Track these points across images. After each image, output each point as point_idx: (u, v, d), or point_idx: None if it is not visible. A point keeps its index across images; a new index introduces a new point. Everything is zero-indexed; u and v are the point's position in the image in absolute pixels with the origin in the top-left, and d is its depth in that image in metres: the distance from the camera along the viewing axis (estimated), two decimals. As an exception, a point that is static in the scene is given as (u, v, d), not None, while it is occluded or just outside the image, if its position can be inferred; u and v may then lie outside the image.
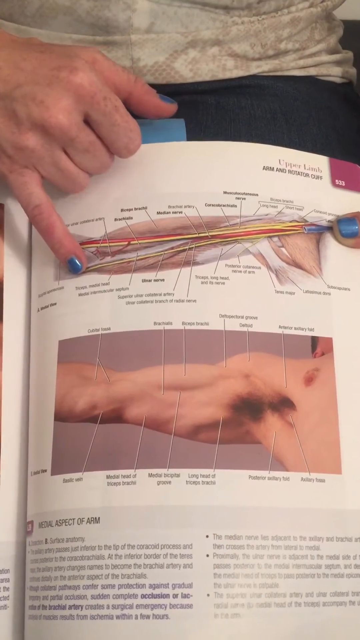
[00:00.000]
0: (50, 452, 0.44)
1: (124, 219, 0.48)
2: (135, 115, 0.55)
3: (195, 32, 0.55)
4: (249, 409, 0.44)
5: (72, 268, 0.47)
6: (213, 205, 0.48)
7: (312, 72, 0.63)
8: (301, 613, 0.41)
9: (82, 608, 0.41)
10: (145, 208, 0.48)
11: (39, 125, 0.44)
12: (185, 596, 0.40)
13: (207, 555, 0.41)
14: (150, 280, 0.47)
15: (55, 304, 0.48)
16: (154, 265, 0.47)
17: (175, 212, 0.48)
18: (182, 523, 0.41)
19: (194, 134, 0.54)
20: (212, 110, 0.58)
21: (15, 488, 0.46)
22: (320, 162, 0.51)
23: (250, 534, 0.41)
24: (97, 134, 0.46)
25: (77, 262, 0.47)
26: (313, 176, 0.51)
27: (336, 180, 0.51)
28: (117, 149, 0.47)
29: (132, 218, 0.48)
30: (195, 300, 0.46)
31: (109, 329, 0.46)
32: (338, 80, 0.64)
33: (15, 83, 0.44)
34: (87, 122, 0.46)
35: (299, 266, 0.48)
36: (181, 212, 0.48)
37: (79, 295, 0.47)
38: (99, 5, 0.53)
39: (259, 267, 0.47)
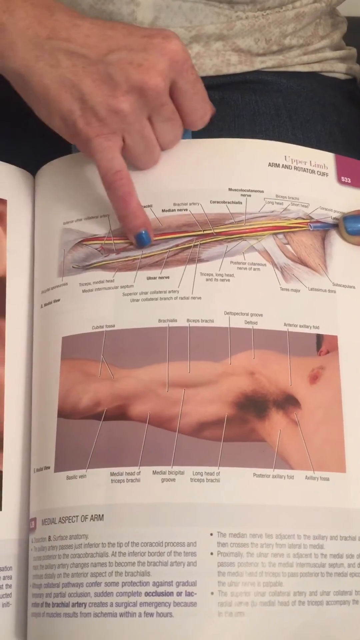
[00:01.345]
0: (53, 448, 0.44)
1: None
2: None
3: (199, 27, 0.55)
4: (254, 406, 0.44)
5: (140, 242, 0.47)
6: (218, 202, 0.48)
7: (316, 68, 0.62)
8: (305, 612, 0.41)
9: (85, 606, 0.41)
10: (150, 206, 0.48)
11: (138, 87, 0.45)
12: (189, 594, 0.40)
13: (211, 554, 0.41)
14: (155, 278, 0.46)
15: (58, 300, 0.48)
16: (159, 263, 0.47)
17: (180, 210, 0.48)
18: (186, 521, 0.41)
19: (198, 131, 0.54)
20: (216, 105, 0.57)
21: (18, 485, 0.46)
22: (326, 159, 0.51)
23: (254, 532, 0.41)
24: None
25: (146, 237, 0.46)
26: (319, 173, 0.51)
27: (342, 177, 0.51)
28: (193, 120, 0.48)
29: (136, 215, 0.48)
30: (200, 298, 0.46)
31: (114, 325, 0.46)
32: (342, 76, 0.64)
33: (107, 49, 0.45)
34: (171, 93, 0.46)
35: (304, 263, 0.48)
36: (186, 210, 0.48)
37: (83, 291, 0.47)
38: (103, -1, 0.53)
39: (264, 264, 0.47)
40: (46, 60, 0.45)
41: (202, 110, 0.48)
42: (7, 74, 0.47)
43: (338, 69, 0.63)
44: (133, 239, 0.47)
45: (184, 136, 0.50)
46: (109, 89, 0.45)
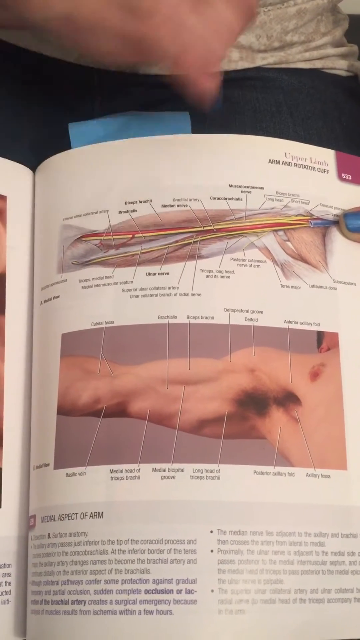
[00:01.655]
0: (53, 446, 0.44)
1: (128, 211, 0.48)
2: (140, 108, 0.55)
3: None
4: (254, 403, 0.44)
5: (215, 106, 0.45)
6: (218, 198, 0.48)
7: (317, 65, 0.62)
8: (306, 609, 0.40)
9: (85, 603, 0.41)
10: (149, 201, 0.48)
11: None
12: (189, 592, 0.40)
13: (212, 551, 0.40)
14: (154, 274, 0.46)
15: (58, 297, 0.47)
16: (159, 259, 0.47)
17: (180, 205, 0.48)
18: (186, 518, 0.41)
19: (198, 127, 0.54)
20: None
21: (18, 482, 0.45)
22: (326, 156, 0.51)
23: (254, 529, 0.41)
24: None
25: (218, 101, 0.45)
26: (319, 170, 0.50)
27: (343, 174, 0.51)
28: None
29: (136, 211, 0.48)
30: (200, 294, 0.46)
31: (113, 322, 0.45)
32: (343, 73, 0.64)
33: None
34: None
35: (304, 260, 0.48)
36: (186, 205, 0.48)
37: (83, 288, 0.47)
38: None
39: (265, 261, 0.47)
40: None
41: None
42: (50, 24, 0.44)
43: (339, 66, 0.63)
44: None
45: (182, 131, 0.50)
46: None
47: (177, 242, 0.47)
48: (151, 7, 0.43)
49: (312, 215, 0.49)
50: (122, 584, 0.40)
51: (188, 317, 0.45)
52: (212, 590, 0.40)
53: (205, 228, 0.47)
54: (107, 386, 0.44)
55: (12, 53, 0.59)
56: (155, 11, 0.43)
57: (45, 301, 0.48)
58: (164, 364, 0.44)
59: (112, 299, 0.46)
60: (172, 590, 0.40)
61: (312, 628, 0.41)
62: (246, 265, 0.47)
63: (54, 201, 0.50)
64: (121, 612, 0.40)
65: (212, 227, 0.47)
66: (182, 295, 0.45)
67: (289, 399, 0.44)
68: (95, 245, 0.48)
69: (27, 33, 0.58)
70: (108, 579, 0.41)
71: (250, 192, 0.48)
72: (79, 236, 0.48)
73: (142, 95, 0.59)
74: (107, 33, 0.44)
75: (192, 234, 0.47)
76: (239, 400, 0.44)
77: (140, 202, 0.48)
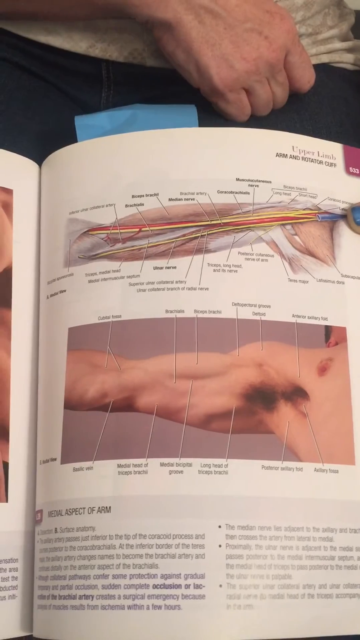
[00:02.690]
0: (60, 440, 0.44)
1: (135, 205, 0.48)
2: (147, 101, 0.54)
3: None
4: (262, 398, 0.43)
5: None
6: (225, 192, 0.48)
7: (324, 59, 0.62)
8: (314, 604, 0.40)
9: (92, 598, 0.40)
10: (156, 194, 0.48)
11: (264, 55, 0.53)
12: (197, 587, 0.40)
13: (220, 546, 0.40)
14: (161, 268, 0.46)
15: (64, 291, 0.47)
16: (166, 253, 0.46)
17: (187, 199, 0.48)
18: (194, 513, 0.41)
19: (205, 121, 0.54)
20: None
21: (25, 476, 0.45)
22: (334, 149, 0.51)
23: (263, 524, 0.41)
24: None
25: None
26: (327, 163, 0.50)
27: (350, 168, 0.50)
28: (301, 84, 0.57)
29: (143, 204, 0.48)
30: (207, 288, 0.45)
31: (120, 316, 0.45)
32: (350, 67, 0.64)
33: (243, 16, 0.53)
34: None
35: (312, 254, 0.47)
36: (193, 199, 0.47)
37: (89, 282, 0.47)
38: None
39: (272, 255, 0.47)
40: (194, 15, 0.51)
41: (308, 74, 0.56)
42: (154, 24, 0.52)
43: (346, 60, 0.63)
44: None
45: (189, 124, 0.52)
46: (244, 52, 0.52)
47: (184, 235, 0.47)
48: (223, 88, 0.54)
49: (319, 209, 0.48)
50: (130, 578, 0.40)
51: (195, 311, 0.45)
52: (221, 585, 0.40)
53: (213, 222, 0.47)
54: (115, 380, 0.44)
55: (20, 45, 0.59)
56: (224, 93, 0.54)
57: (51, 295, 0.48)
58: (171, 358, 0.44)
59: (119, 293, 0.46)
60: (180, 585, 0.40)
61: (320, 623, 0.40)
62: (254, 259, 0.46)
63: (60, 195, 0.50)
64: (129, 607, 0.40)
65: (219, 221, 0.47)
66: (189, 289, 0.45)
67: (297, 394, 0.44)
68: (102, 239, 0.48)
69: (36, 24, 0.57)
70: (116, 573, 0.40)
71: (257, 185, 0.48)
72: (85, 230, 0.48)
73: (149, 88, 0.59)
74: (190, 62, 0.54)
75: (200, 228, 0.47)
76: (246, 394, 0.43)
77: (147, 195, 0.48)
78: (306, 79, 0.57)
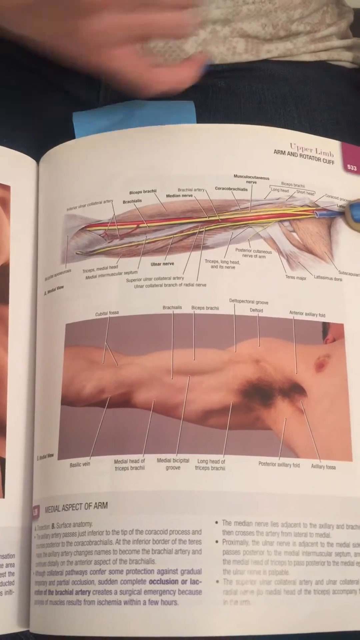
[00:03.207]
0: (57, 436, 0.44)
1: (132, 201, 0.48)
2: (144, 98, 0.54)
3: (205, 12, 0.54)
4: (259, 394, 0.43)
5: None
6: (223, 188, 0.48)
7: (322, 56, 0.62)
8: (311, 600, 0.40)
9: (89, 593, 0.40)
10: (154, 191, 0.48)
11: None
12: (194, 582, 0.40)
13: (217, 542, 0.40)
14: (159, 264, 0.46)
15: (62, 287, 0.47)
16: (163, 249, 0.46)
17: (185, 195, 0.48)
18: (191, 509, 0.41)
19: (203, 118, 0.53)
20: (222, 94, 0.57)
21: (22, 472, 0.45)
22: (332, 147, 0.51)
23: (260, 520, 0.41)
24: None
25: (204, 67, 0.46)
26: (325, 160, 0.50)
27: (348, 165, 0.50)
28: None
29: (141, 201, 0.48)
30: (205, 285, 0.45)
31: (117, 312, 0.45)
32: (348, 65, 0.64)
33: None
34: None
35: (310, 251, 0.47)
36: (191, 195, 0.47)
37: (87, 278, 0.47)
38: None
39: (270, 252, 0.47)
40: (44, 10, 0.44)
41: None
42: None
43: (345, 58, 0.63)
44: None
45: (187, 121, 0.50)
46: (77, 15, 0.43)
47: (182, 232, 0.47)
48: (97, 63, 0.45)
49: (317, 206, 0.49)
50: (126, 574, 0.40)
51: (193, 307, 0.45)
52: (217, 581, 0.40)
53: (211, 218, 0.47)
54: (112, 376, 0.44)
55: (16, 41, 0.59)
56: (104, 65, 0.45)
57: (49, 291, 0.48)
58: (168, 354, 0.44)
59: (116, 289, 0.46)
60: (177, 580, 0.40)
61: (317, 619, 0.40)
62: (251, 255, 0.46)
63: (58, 191, 0.50)
64: (126, 603, 0.40)
65: (217, 218, 0.47)
66: (187, 285, 0.45)
67: (294, 390, 0.44)
68: (100, 235, 0.48)
69: None
70: (113, 569, 0.40)
71: (255, 182, 0.48)
72: (83, 226, 0.48)
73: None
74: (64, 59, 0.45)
75: (197, 224, 0.47)
76: (244, 390, 0.43)
77: (144, 191, 0.48)
78: None
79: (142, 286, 0.45)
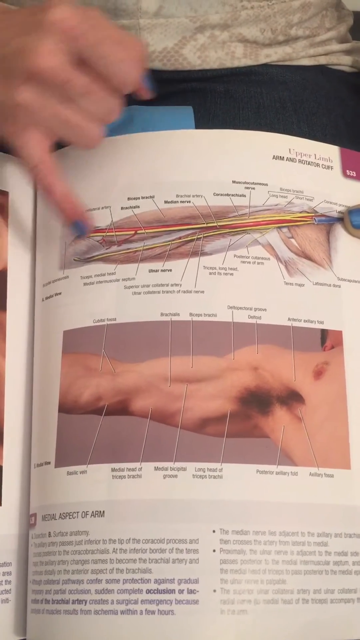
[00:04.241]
0: (54, 444, 0.44)
1: (130, 207, 0.48)
2: (142, 102, 0.54)
3: (204, 17, 0.54)
4: (257, 402, 0.43)
5: (77, 231, 0.46)
6: (222, 194, 0.48)
7: (322, 61, 0.62)
8: (308, 610, 0.40)
9: (85, 603, 0.40)
10: (152, 197, 0.48)
11: (30, 74, 0.42)
12: (191, 592, 0.40)
13: (214, 551, 0.40)
14: (157, 271, 0.46)
15: (60, 293, 0.47)
16: (161, 255, 0.46)
17: (183, 202, 0.47)
18: (189, 517, 0.41)
19: (201, 122, 0.53)
20: (220, 98, 0.57)
21: (19, 480, 0.45)
22: (331, 152, 0.50)
23: (257, 529, 0.41)
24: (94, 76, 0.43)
25: (81, 227, 0.46)
26: (324, 166, 0.50)
27: (347, 171, 0.50)
28: (118, 83, 0.43)
29: (139, 207, 0.48)
30: (203, 291, 0.45)
31: (115, 319, 0.45)
32: (348, 69, 0.64)
33: (5, 42, 0.43)
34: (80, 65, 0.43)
35: (308, 257, 0.47)
36: (189, 202, 0.47)
37: (85, 284, 0.47)
38: (107, -12, 0.52)
39: (268, 258, 0.46)
40: None
41: (120, 70, 0.43)
42: None
43: (344, 62, 0.63)
44: (70, 230, 0.46)
45: (185, 126, 0.50)
46: (7, 84, 0.43)
47: (180, 238, 0.47)
48: (3, 137, 0.43)
49: (316, 212, 0.48)
50: (123, 583, 0.40)
51: (191, 314, 0.45)
52: (215, 590, 0.40)
53: (209, 224, 0.47)
54: (109, 384, 0.44)
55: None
56: (8, 142, 0.44)
57: (46, 298, 0.48)
58: (166, 361, 0.44)
59: (114, 296, 0.46)
60: (174, 590, 0.40)
61: (315, 628, 0.40)
62: (250, 262, 0.46)
63: (56, 197, 0.50)
64: (122, 612, 0.40)
65: (215, 224, 0.47)
66: (185, 292, 0.45)
67: (292, 398, 0.44)
68: (98, 241, 0.47)
69: None
70: (109, 578, 0.40)
71: (254, 188, 0.48)
72: (81, 232, 0.48)
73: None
74: None
75: (196, 231, 0.47)
76: (242, 398, 0.43)
77: (142, 198, 0.48)
78: (120, 72, 0.43)
79: (139, 293, 0.45)
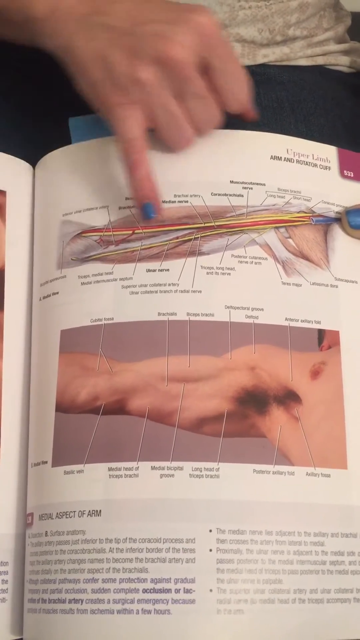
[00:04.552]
0: (51, 443, 0.44)
1: (128, 207, 0.48)
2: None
3: None
4: (254, 401, 0.43)
5: (143, 214, 0.46)
6: (219, 194, 0.48)
7: (319, 61, 0.62)
8: (305, 609, 0.40)
9: (82, 602, 0.40)
10: None
11: (161, 59, 0.44)
12: (187, 591, 0.40)
13: (210, 550, 0.40)
14: (154, 270, 0.46)
15: (57, 293, 0.47)
16: (159, 255, 0.46)
17: (180, 201, 0.47)
18: (185, 517, 0.41)
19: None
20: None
21: (15, 479, 0.45)
22: (328, 152, 0.51)
23: (254, 528, 0.41)
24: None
25: (150, 209, 0.46)
26: (321, 166, 0.50)
27: (345, 171, 0.50)
28: (228, 100, 0.47)
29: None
30: (200, 291, 0.45)
31: (112, 319, 0.45)
32: (346, 69, 0.64)
33: (141, 21, 0.45)
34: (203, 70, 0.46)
35: (306, 258, 0.47)
36: (187, 201, 0.47)
37: (82, 284, 0.47)
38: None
39: (266, 258, 0.46)
40: (85, 35, 0.46)
41: (235, 88, 0.47)
42: (57, 53, 0.48)
43: (342, 62, 0.63)
44: (139, 211, 0.46)
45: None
46: (134, 59, 0.45)
47: (177, 238, 0.47)
48: (108, 103, 0.46)
49: (313, 212, 0.48)
50: (119, 583, 0.40)
51: (188, 314, 0.45)
52: (211, 590, 0.40)
53: (206, 224, 0.47)
54: (106, 383, 0.44)
55: (13, 46, 0.59)
56: (110, 108, 0.46)
57: (44, 297, 0.48)
58: (163, 361, 0.44)
59: (111, 296, 0.46)
60: (170, 589, 0.40)
61: (311, 628, 0.40)
62: (247, 262, 0.46)
63: (54, 197, 0.50)
64: (119, 612, 0.40)
65: (213, 224, 0.47)
66: (182, 292, 0.45)
67: (289, 397, 0.44)
68: (95, 241, 0.47)
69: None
70: (106, 577, 0.40)
71: (251, 188, 0.48)
72: (78, 232, 0.48)
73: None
74: (85, 83, 0.47)
75: (193, 230, 0.47)
76: (239, 398, 0.43)
77: None
78: (233, 93, 0.47)
79: (137, 292, 0.45)
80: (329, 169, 0.50)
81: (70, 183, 0.49)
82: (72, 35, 0.46)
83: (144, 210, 0.46)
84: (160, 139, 0.47)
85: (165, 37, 0.44)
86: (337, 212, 0.49)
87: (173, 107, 0.46)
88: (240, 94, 0.47)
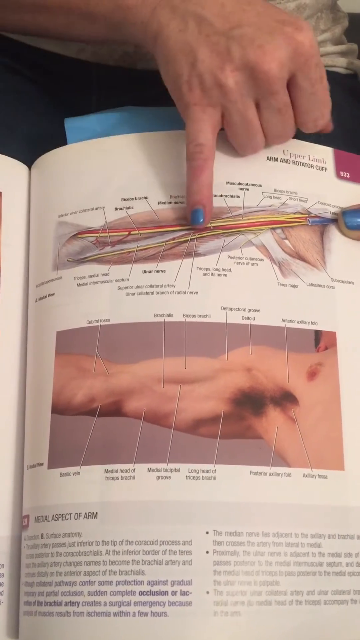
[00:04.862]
0: (47, 445, 0.44)
1: (124, 208, 0.48)
2: (137, 104, 0.54)
3: None
4: (251, 403, 0.43)
5: (194, 218, 0.46)
6: (215, 195, 0.47)
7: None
8: (302, 611, 0.40)
9: (78, 604, 0.40)
10: (146, 198, 0.48)
11: (250, 67, 0.43)
12: (184, 593, 0.39)
13: (207, 552, 0.40)
14: (151, 271, 0.46)
15: (53, 294, 0.47)
16: (155, 256, 0.46)
17: (177, 202, 0.47)
18: (182, 519, 0.40)
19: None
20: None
21: (11, 481, 0.45)
22: (324, 154, 0.51)
23: (251, 530, 0.40)
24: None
25: (200, 215, 0.45)
26: (317, 167, 0.50)
27: (341, 172, 0.50)
28: (305, 121, 0.46)
29: (132, 208, 0.47)
30: (196, 292, 0.45)
31: (108, 320, 0.45)
32: (343, 71, 0.64)
33: (236, 22, 0.44)
34: (288, 85, 0.45)
35: (302, 259, 0.47)
36: (183, 202, 0.47)
37: (78, 285, 0.46)
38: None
39: (262, 259, 0.46)
40: (177, 23, 0.45)
41: (317, 112, 0.46)
42: (146, 43, 0.47)
43: (339, 64, 0.63)
44: (187, 214, 0.46)
45: (180, 127, 0.50)
46: (222, 61, 0.43)
47: (173, 239, 0.47)
48: (186, 100, 0.45)
49: (310, 213, 0.48)
50: (116, 585, 0.40)
51: (184, 315, 0.44)
52: (208, 592, 0.39)
53: (203, 225, 0.47)
54: (102, 385, 0.44)
55: (9, 47, 0.59)
56: (186, 106, 0.45)
57: (40, 299, 0.48)
58: (159, 362, 0.44)
59: (107, 297, 0.45)
60: (167, 591, 0.39)
61: (308, 630, 0.40)
62: (243, 263, 0.46)
63: (50, 197, 0.50)
64: (115, 614, 0.39)
65: (209, 225, 0.47)
66: (178, 293, 0.45)
67: (286, 399, 0.44)
68: (91, 242, 0.47)
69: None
70: (102, 580, 0.40)
71: (247, 189, 0.48)
72: (74, 233, 0.48)
73: (139, 91, 0.59)
74: (167, 73, 0.46)
75: (189, 232, 0.47)
76: (235, 399, 0.43)
77: (136, 198, 0.48)
78: (312, 116, 0.46)
79: (133, 294, 0.45)
80: (325, 170, 0.50)
81: (66, 184, 0.49)
82: (162, 23, 0.45)
83: (194, 215, 0.45)
84: (229, 139, 0.47)
85: (259, 46, 0.43)
86: (333, 213, 0.49)
87: (251, 115, 0.45)
88: (320, 119, 0.47)
